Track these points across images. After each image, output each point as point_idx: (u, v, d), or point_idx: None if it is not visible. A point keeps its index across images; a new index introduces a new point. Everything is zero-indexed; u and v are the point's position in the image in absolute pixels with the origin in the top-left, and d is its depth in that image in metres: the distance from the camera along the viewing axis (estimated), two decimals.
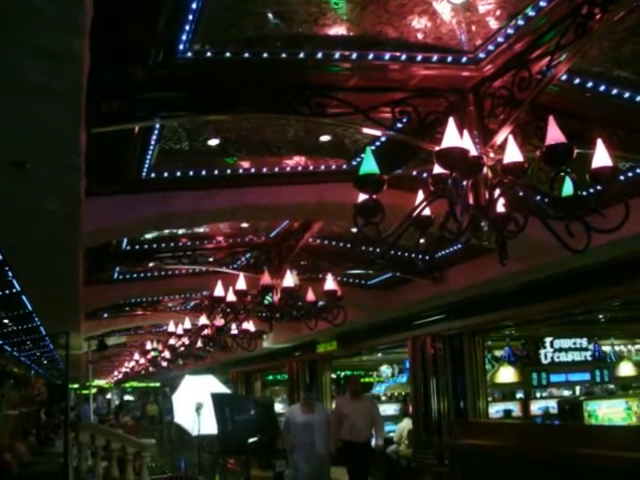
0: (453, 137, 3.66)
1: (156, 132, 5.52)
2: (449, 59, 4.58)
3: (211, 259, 10.08)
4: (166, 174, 6.45)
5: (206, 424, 12.23)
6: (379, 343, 17.53)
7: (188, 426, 13.67)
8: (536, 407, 18.04)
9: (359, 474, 11.09)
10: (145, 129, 5.38)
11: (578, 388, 19.83)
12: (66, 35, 2.84)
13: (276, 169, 6.65)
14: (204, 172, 6.51)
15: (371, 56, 4.45)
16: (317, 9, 3.99)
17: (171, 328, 12.94)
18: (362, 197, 3.70)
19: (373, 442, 11.32)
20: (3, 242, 6.00)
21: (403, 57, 4.49)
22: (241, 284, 8.17)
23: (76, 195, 4.84)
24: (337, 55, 4.43)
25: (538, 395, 19.15)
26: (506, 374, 17.92)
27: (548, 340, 18.25)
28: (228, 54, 4.29)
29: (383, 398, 21.32)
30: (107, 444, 12.45)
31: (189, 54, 4.23)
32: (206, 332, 11.23)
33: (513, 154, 3.90)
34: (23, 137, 3.81)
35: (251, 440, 10.49)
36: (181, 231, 8.89)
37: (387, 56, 4.47)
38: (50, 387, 25.54)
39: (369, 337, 16.32)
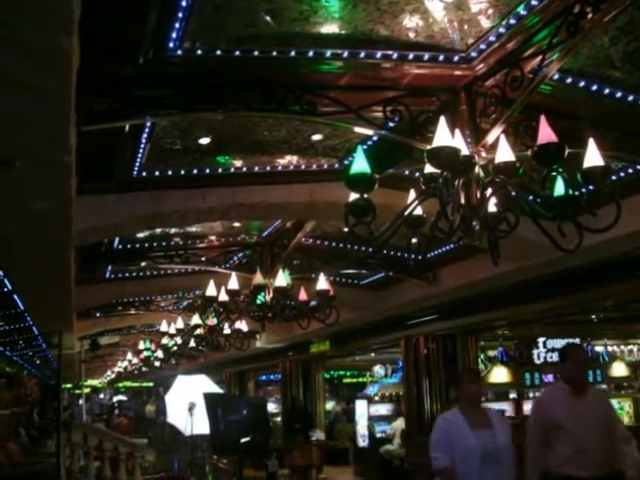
0: (444, 136, 3.65)
1: (147, 130, 5.49)
2: (441, 58, 4.57)
3: (203, 258, 10.05)
4: (157, 173, 6.43)
5: (199, 424, 12.21)
6: (372, 343, 17.54)
7: (181, 426, 13.65)
8: (529, 407, 17.99)
9: None
10: (136, 127, 5.35)
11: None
12: (55, 31, 2.82)
13: (268, 168, 6.64)
14: (195, 171, 6.49)
15: (363, 54, 4.44)
16: (308, 7, 3.97)
17: (164, 328, 12.93)
18: (353, 196, 3.68)
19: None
20: None
21: (395, 56, 4.48)
22: (233, 283, 8.15)
23: (67, 194, 4.80)
24: (328, 53, 4.42)
25: (531, 395, 19.17)
26: (499, 374, 17.93)
27: (541, 340, 18.29)
28: (218, 52, 4.28)
29: (376, 398, 21.31)
30: (100, 444, 12.41)
31: (179, 52, 4.21)
32: (199, 332, 11.22)
33: (505, 153, 3.90)
34: (12, 135, 3.77)
35: (244, 440, 10.47)
36: (173, 230, 8.87)
37: (379, 54, 4.46)
38: (43, 387, 25.45)
39: (362, 337, 16.32)
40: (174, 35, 4.07)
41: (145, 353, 18.44)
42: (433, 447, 5.58)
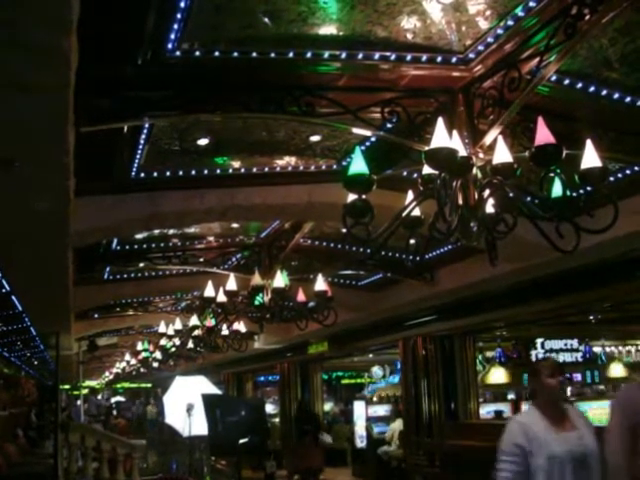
0: (442, 137, 3.65)
1: (145, 131, 5.50)
2: (439, 59, 4.57)
3: (202, 259, 10.06)
4: (156, 174, 6.44)
5: (197, 425, 12.21)
6: (370, 344, 17.54)
7: (179, 427, 13.65)
8: (527, 408, 18.04)
9: None
10: (134, 128, 5.35)
11: (569, 389, 19.90)
12: (53, 31, 2.82)
13: (266, 169, 6.64)
14: (194, 172, 6.50)
15: (360, 56, 4.45)
16: (306, 8, 3.98)
17: (162, 329, 12.93)
18: (351, 197, 3.69)
19: None
20: None
21: (393, 57, 4.49)
22: (231, 284, 8.15)
23: (65, 195, 4.80)
24: (326, 55, 4.42)
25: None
26: (497, 375, 17.98)
27: (539, 341, 18.33)
28: (217, 53, 4.28)
29: (374, 399, 21.32)
30: (97, 445, 12.39)
31: (178, 53, 4.21)
32: (197, 333, 11.21)
33: (502, 154, 3.90)
34: (10, 135, 3.77)
35: (242, 441, 10.48)
36: (171, 231, 8.87)
37: (377, 56, 4.46)
38: (41, 388, 25.44)
39: (360, 338, 16.32)
40: (172, 36, 4.08)
41: (143, 354, 18.42)
42: (501, 455, 4.54)
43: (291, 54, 4.39)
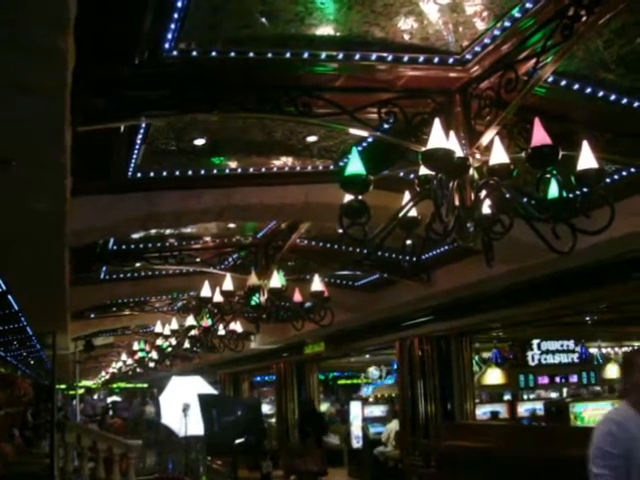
0: (439, 138, 3.66)
1: (142, 131, 5.49)
2: (436, 60, 4.58)
3: (198, 259, 10.05)
4: (152, 174, 6.43)
5: (193, 425, 12.20)
6: (367, 345, 17.54)
7: (175, 427, 13.64)
8: (523, 409, 18.09)
9: None
10: (131, 128, 5.35)
11: (565, 390, 19.94)
12: (51, 31, 2.82)
13: (263, 169, 6.64)
14: (190, 172, 6.49)
15: (358, 56, 4.45)
16: (303, 9, 3.98)
17: (158, 329, 12.92)
18: (348, 198, 3.69)
19: None
20: None
21: (390, 57, 4.49)
22: (228, 285, 8.15)
23: (62, 194, 4.80)
24: (323, 55, 4.43)
25: (525, 397, 19.25)
26: (493, 376, 17.99)
27: (535, 342, 18.34)
28: (214, 53, 4.28)
29: (371, 399, 21.33)
30: (94, 445, 12.38)
31: (175, 53, 4.21)
32: (193, 333, 11.21)
33: (499, 155, 3.91)
34: (7, 135, 3.77)
35: (238, 441, 10.46)
36: (168, 231, 8.86)
37: (374, 56, 4.47)
38: (37, 387, 25.43)
39: (357, 338, 16.32)
40: (170, 36, 4.07)
41: (139, 354, 18.40)
42: (595, 458, 3.99)
43: (288, 54, 4.39)
